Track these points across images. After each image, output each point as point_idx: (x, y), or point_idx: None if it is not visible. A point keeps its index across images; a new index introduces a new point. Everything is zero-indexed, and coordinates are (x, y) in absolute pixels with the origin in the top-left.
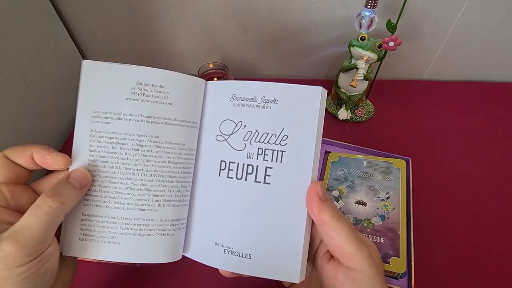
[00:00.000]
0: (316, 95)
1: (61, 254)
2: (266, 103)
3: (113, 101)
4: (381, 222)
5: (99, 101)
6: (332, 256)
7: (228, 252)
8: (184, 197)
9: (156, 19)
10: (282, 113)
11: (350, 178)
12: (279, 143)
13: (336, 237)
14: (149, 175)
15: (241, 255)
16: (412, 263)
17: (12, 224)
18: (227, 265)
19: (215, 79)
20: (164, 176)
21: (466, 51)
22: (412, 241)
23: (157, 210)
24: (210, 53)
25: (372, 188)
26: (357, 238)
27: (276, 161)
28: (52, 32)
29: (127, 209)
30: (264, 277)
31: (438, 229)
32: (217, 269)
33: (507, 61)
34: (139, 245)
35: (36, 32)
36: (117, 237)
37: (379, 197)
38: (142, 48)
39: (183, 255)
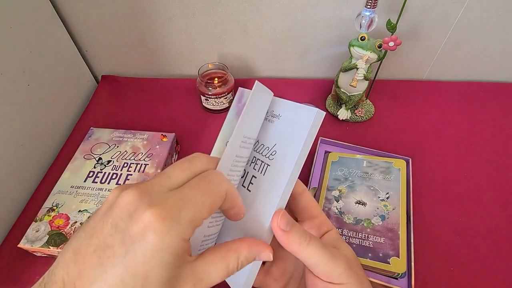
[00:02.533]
0: (309, 117)
1: None
2: (272, 117)
3: (257, 127)
4: (381, 222)
5: (250, 127)
6: None
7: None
8: None
9: (156, 19)
10: (279, 129)
11: (350, 178)
12: (268, 156)
13: (309, 261)
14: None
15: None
16: (412, 263)
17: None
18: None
19: (215, 79)
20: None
21: (466, 51)
22: (412, 241)
23: None
24: (210, 53)
25: (372, 188)
26: (331, 255)
27: (261, 173)
28: (52, 32)
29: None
30: None
31: (438, 229)
32: None
33: (507, 61)
34: None
35: (36, 32)
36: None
37: (379, 197)
38: (142, 48)
39: None
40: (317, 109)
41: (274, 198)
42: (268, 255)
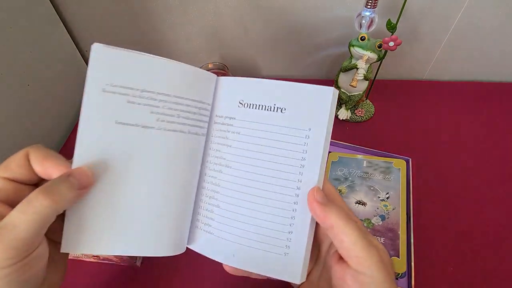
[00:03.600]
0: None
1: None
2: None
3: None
4: (381, 222)
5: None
6: (341, 257)
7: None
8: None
9: (156, 19)
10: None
11: (350, 178)
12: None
13: (346, 240)
14: None
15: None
16: (412, 263)
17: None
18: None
19: None
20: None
21: (466, 51)
22: (412, 241)
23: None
24: (210, 53)
25: (372, 188)
26: (367, 242)
27: None
28: (52, 32)
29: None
30: (266, 275)
31: (438, 229)
32: (216, 269)
33: (507, 61)
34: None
35: (36, 32)
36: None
37: (379, 197)
38: (143, 48)
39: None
40: (332, 87)
41: (313, 177)
42: (81, 172)
